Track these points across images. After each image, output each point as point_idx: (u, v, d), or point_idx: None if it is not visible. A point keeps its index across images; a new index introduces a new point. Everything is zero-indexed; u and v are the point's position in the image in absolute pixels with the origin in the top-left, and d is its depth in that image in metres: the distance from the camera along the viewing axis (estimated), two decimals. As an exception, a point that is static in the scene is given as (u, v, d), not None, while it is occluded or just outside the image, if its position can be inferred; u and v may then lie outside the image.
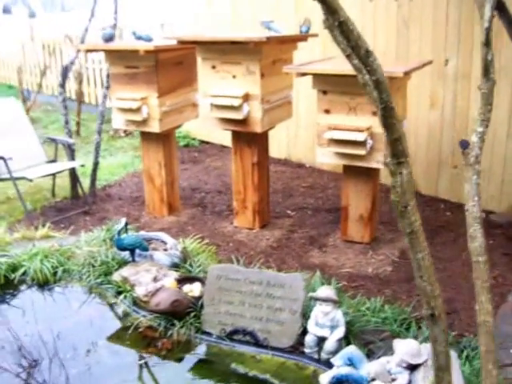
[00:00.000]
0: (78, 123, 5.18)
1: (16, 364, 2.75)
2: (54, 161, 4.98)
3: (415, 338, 2.86)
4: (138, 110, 4.27)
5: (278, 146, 5.95)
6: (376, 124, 3.65)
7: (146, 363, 2.80)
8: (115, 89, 4.39)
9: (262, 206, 4.43)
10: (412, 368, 2.42)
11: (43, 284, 3.53)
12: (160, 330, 3.00)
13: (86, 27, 4.66)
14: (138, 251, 3.52)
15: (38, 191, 5.25)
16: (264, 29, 4.05)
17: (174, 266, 3.56)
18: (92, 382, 2.69)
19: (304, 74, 3.74)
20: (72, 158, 4.96)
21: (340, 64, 4.05)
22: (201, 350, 2.90)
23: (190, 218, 4.69)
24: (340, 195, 5.05)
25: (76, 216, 4.73)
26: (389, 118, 1.57)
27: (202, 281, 3.23)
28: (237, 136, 4.29)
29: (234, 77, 4.01)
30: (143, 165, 4.70)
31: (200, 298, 3.08)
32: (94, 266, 3.54)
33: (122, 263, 3.56)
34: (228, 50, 3.96)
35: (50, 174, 4.82)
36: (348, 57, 1.54)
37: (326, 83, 3.74)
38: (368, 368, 2.46)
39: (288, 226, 4.51)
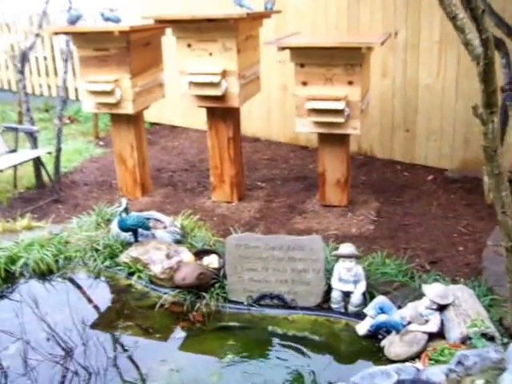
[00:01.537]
0: (19, 113, 5.04)
1: (52, 354, 2.76)
2: (14, 150, 4.84)
3: (419, 285, 3.18)
4: (111, 93, 4.26)
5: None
6: (351, 93, 3.92)
7: (184, 337, 2.90)
8: (85, 72, 4.35)
9: (238, 180, 4.59)
10: (440, 309, 2.71)
11: (47, 273, 3.51)
12: (187, 304, 3.10)
13: (43, 10, 4.55)
14: (140, 231, 3.58)
15: (-5, 183, 5.10)
16: (235, 6, 4.16)
17: (177, 243, 3.66)
18: (132, 363, 2.74)
19: (284, 48, 3.91)
20: (35, 146, 4.85)
21: (311, 38, 4.29)
22: (233, 319, 3.02)
23: (165, 197, 4.76)
24: (302, 165, 5.37)
25: (47, 205, 4.67)
26: (489, 73, 1.82)
27: (217, 253, 3.37)
28: (212, 112, 4.41)
29: (210, 54, 4.11)
30: (114, 147, 4.70)
31: (220, 269, 3.22)
32: (97, 251, 3.55)
33: (125, 245, 3.60)
34: (204, 28, 4.05)
35: (15, 165, 4.69)
36: (453, 18, 1.76)
37: (304, 56, 3.94)
38: (402, 313, 2.73)
39: (264, 197, 4.70)
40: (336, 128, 4.01)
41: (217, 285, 3.17)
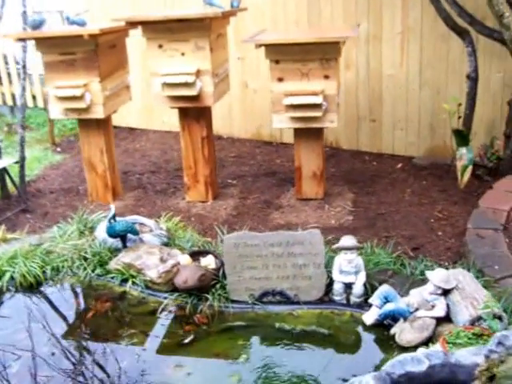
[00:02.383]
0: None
1: (61, 368, 2.68)
2: (-25, 161, 4.63)
3: (411, 272, 3.28)
4: (80, 97, 4.15)
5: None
6: (328, 87, 3.97)
7: (192, 340, 2.87)
8: (51, 78, 4.21)
9: (212, 179, 4.57)
10: (445, 293, 2.80)
11: (35, 286, 3.39)
12: (189, 307, 3.07)
13: None
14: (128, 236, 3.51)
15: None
16: (205, 5, 4.13)
17: (164, 245, 3.62)
18: (146, 371, 2.70)
19: (261, 45, 3.91)
20: (-1, 156, 4.66)
21: (285, 34, 4.31)
22: (238, 318, 3.02)
23: (137, 201, 4.68)
24: (270, 161, 5.40)
25: (15, 216, 4.49)
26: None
27: (212, 253, 3.35)
28: (184, 113, 4.36)
29: (182, 54, 4.07)
30: (83, 153, 4.58)
31: (218, 269, 3.21)
32: (85, 259, 3.47)
33: (113, 251, 3.53)
34: (175, 28, 4.00)
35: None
36: (500, 17, 1.82)
37: (279, 53, 3.96)
38: (409, 300, 2.81)
39: (238, 194, 4.70)
40: (314, 122, 4.06)
41: (217, 285, 3.16)
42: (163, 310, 3.09)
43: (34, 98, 6.83)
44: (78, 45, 4.07)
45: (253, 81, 5.59)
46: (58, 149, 6.00)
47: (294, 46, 3.88)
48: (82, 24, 4.12)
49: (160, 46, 4.08)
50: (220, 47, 4.27)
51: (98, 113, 4.26)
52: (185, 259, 3.25)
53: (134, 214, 4.34)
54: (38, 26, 4.09)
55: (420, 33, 4.74)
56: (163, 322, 3.03)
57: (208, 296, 3.10)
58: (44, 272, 3.43)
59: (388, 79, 4.98)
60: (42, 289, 3.39)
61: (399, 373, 2.19)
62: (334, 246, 3.12)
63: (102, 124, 4.44)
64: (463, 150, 4.22)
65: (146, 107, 6.04)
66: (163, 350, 2.83)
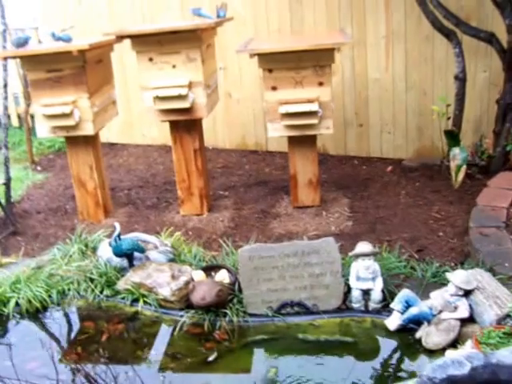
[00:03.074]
0: None
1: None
2: (-42, 186, 4.46)
3: (422, 275, 3.29)
4: (69, 115, 4.04)
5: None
6: (323, 93, 3.97)
7: (215, 357, 2.80)
8: (38, 96, 4.08)
9: (206, 191, 4.51)
10: (466, 294, 2.81)
11: (42, 311, 3.27)
12: (207, 324, 3.00)
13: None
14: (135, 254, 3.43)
15: None
16: (194, 16, 4.08)
17: (170, 262, 3.54)
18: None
19: (255, 55, 3.88)
20: (-18, 178, 4.49)
21: (277, 43, 4.28)
22: (259, 332, 2.96)
23: (129, 217, 4.58)
24: (259, 170, 5.37)
25: (5, 239, 4.34)
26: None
27: (225, 267, 3.29)
28: (176, 125, 4.30)
29: (173, 66, 4.00)
30: (72, 171, 4.46)
31: (233, 283, 3.15)
32: (92, 281, 3.36)
33: (119, 271, 3.44)
34: (165, 41, 3.93)
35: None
36: None
37: (272, 61, 3.93)
38: (432, 303, 2.81)
39: (232, 205, 4.64)
40: (310, 129, 4.04)
41: (234, 300, 3.10)
42: (181, 328, 3.00)
43: (8, 117, 6.63)
44: (66, 61, 3.96)
45: (236, 91, 5.55)
46: (39, 167, 5.84)
47: (287, 54, 3.86)
48: (67, 40, 4.02)
49: (150, 59, 4.01)
50: (210, 58, 4.23)
51: (88, 129, 4.15)
52: (199, 275, 3.19)
53: (128, 231, 4.24)
54: (22, 43, 3.97)
55: (404, 36, 4.79)
56: (182, 340, 2.95)
57: (227, 311, 3.03)
58: (50, 296, 3.31)
59: (374, 83, 5.02)
60: (48, 313, 3.26)
61: (441, 377, 2.18)
62: (351, 253, 3.10)
63: (91, 140, 4.33)
64: (456, 150, 4.28)
65: (125, 122, 5.94)
66: (188, 369, 2.75)
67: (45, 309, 3.29)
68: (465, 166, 4.26)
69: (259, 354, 2.83)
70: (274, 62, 3.92)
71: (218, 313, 3.05)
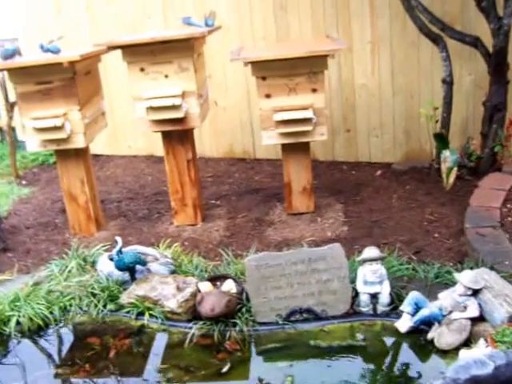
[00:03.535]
0: None
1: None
2: None
3: (425, 276, 3.32)
4: (60, 127, 3.98)
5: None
6: (316, 100, 3.99)
7: (229, 368, 2.78)
8: (27, 109, 4.01)
9: (199, 201, 4.49)
10: (474, 293, 2.85)
11: (44, 328, 3.20)
12: (217, 335, 2.98)
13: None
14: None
15: None
16: (184, 25, 4.07)
17: (172, 273, 3.51)
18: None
19: (249, 63, 3.88)
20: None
21: (270, 50, 4.29)
22: (270, 340, 2.94)
23: (122, 229, 4.52)
24: (248, 178, 5.36)
25: (-4, 257, 4.25)
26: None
27: (230, 277, 3.28)
28: (168, 136, 4.27)
29: (166, 76, 3.98)
30: (62, 185, 4.38)
31: (240, 293, 3.13)
32: (94, 295, 3.31)
33: (121, 284, 3.39)
34: (157, 50, 3.91)
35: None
36: None
37: (265, 69, 3.94)
38: (442, 304, 2.83)
39: (226, 214, 4.62)
40: (304, 136, 4.06)
41: (242, 309, 3.08)
42: (191, 340, 2.97)
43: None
44: (55, 73, 3.91)
45: (222, 99, 5.55)
46: (24, 182, 5.73)
47: (281, 61, 3.87)
48: (56, 51, 3.96)
49: (142, 70, 3.98)
50: (201, 67, 4.22)
51: (79, 142, 4.09)
52: (205, 286, 3.16)
53: (122, 243, 4.19)
54: (10, 55, 3.90)
55: (390, 41, 4.85)
56: (193, 352, 2.92)
57: (236, 321, 3.01)
58: (51, 313, 3.23)
59: (361, 88, 5.06)
60: (51, 331, 3.19)
61: (465, 377, 2.21)
62: (359, 258, 3.12)
63: (81, 153, 4.28)
64: (447, 153, 4.34)
65: (110, 133, 5.87)
66: (203, 381, 2.72)
67: (47, 326, 3.21)
68: (456, 168, 4.33)
69: (273, 362, 2.81)
70: (267, 70, 3.93)
71: (227, 323, 3.03)
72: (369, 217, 4.32)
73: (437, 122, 4.56)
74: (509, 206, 4.05)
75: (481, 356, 2.25)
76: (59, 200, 5.13)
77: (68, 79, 3.95)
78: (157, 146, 5.83)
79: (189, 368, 2.81)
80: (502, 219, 3.87)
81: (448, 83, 4.43)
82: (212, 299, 2.98)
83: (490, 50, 4.31)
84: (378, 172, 5.06)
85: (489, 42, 4.33)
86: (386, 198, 4.59)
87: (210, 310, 2.95)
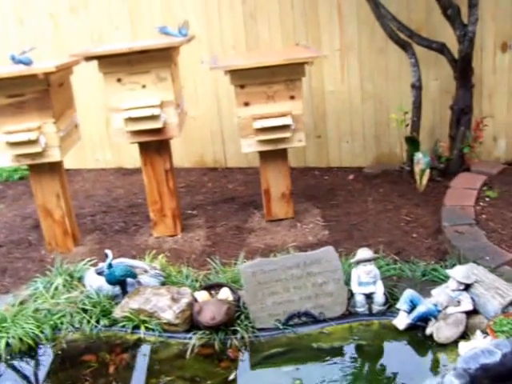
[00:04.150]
0: None
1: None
2: None
3: (412, 275, 3.41)
4: (35, 141, 3.89)
5: (131, 156, 5.86)
6: (294, 107, 4.04)
7: (237, 376, 2.77)
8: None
9: (179, 211, 4.47)
10: (466, 288, 2.94)
11: (35, 348, 3.10)
12: (217, 344, 2.96)
13: None
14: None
15: None
16: (160, 34, 4.06)
17: (162, 285, 3.48)
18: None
19: (229, 71, 3.90)
20: None
21: (244, 59, 4.32)
22: (272, 346, 2.95)
23: (100, 243, 4.44)
24: (222, 187, 5.36)
25: (-31, 276, 4.10)
26: None
27: (225, 285, 3.27)
28: (145, 147, 4.23)
29: (143, 86, 3.95)
30: (37, 200, 4.28)
31: (237, 300, 3.14)
32: (85, 311, 3.24)
33: (112, 299, 3.34)
34: (135, 60, 3.88)
35: None
36: None
37: (244, 77, 3.96)
38: (437, 300, 2.91)
39: (204, 224, 4.61)
40: (283, 143, 4.10)
41: (242, 316, 3.08)
42: (192, 350, 2.95)
43: None
44: (29, 85, 3.82)
45: (192, 108, 5.53)
46: (-15, 200, 5.56)
47: (260, 69, 3.91)
48: (28, 63, 3.88)
49: (119, 80, 3.94)
50: (177, 77, 4.21)
51: (55, 156, 4.01)
52: (203, 295, 3.15)
53: (103, 257, 4.12)
54: (-19, 69, 3.79)
55: (358, 48, 4.97)
56: (195, 363, 2.89)
57: (236, 329, 3.01)
58: (42, 332, 3.14)
59: (330, 95, 5.16)
60: (43, 350, 3.09)
61: (475, 367, 2.29)
62: (353, 260, 3.17)
63: (56, 167, 4.19)
64: (419, 155, 4.47)
65: (77, 146, 5.75)
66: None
67: (38, 346, 3.12)
68: (428, 170, 4.46)
69: (278, 367, 2.81)
70: (246, 78, 3.96)
71: (227, 331, 3.02)
72: (347, 220, 4.39)
73: (407, 126, 4.69)
74: (481, 204, 4.20)
75: (488, 345, 2.34)
76: (29, 216, 5.01)
77: (42, 91, 3.87)
78: (126, 159, 5.81)
79: (194, 379, 2.78)
80: (477, 217, 4.02)
81: (417, 88, 4.57)
82: (211, 308, 2.97)
83: (456, 55, 4.47)
84: (351, 176, 5.16)
85: (453, 48, 4.49)
86: (362, 202, 4.68)
87: (210, 318, 2.94)
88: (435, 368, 2.66)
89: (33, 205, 5.18)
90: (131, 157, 5.82)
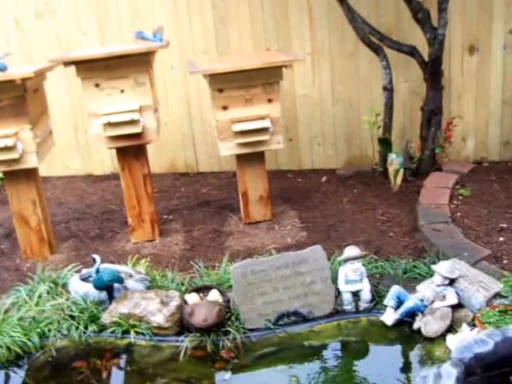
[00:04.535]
0: None
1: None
2: None
3: (394, 273, 3.49)
4: (12, 148, 3.83)
5: (101, 162, 5.82)
6: (272, 110, 4.10)
7: (232, 376, 2.79)
8: (-25, 130, 3.83)
9: (156, 216, 4.46)
10: (450, 283, 3.04)
11: (25, 356, 3.05)
12: (210, 345, 2.97)
13: None
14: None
15: None
16: (137, 39, 4.05)
17: (147, 289, 3.47)
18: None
19: (208, 76, 3.93)
20: None
21: (225, 63, 4.34)
22: (264, 345, 2.98)
23: (76, 250, 4.39)
24: (196, 191, 5.37)
25: None
26: None
27: (213, 287, 3.29)
28: (123, 152, 4.21)
29: (122, 91, 3.94)
30: (12, 207, 4.20)
31: (227, 301, 3.16)
32: (73, 318, 3.20)
33: (99, 304, 3.31)
34: (113, 65, 3.87)
35: None
36: None
37: (223, 81, 3.99)
38: (424, 295, 3.00)
39: (182, 228, 4.61)
40: (262, 146, 4.15)
41: (232, 317, 3.10)
42: (184, 353, 2.95)
43: None
44: (4, 91, 3.76)
45: (163, 114, 5.50)
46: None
47: (238, 73, 3.94)
48: (3, 69, 3.82)
49: (97, 85, 3.92)
50: (154, 82, 4.20)
51: (32, 162, 3.95)
52: (193, 298, 3.15)
53: (82, 264, 4.06)
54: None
55: (329, 52, 5.06)
56: (189, 365, 2.90)
57: (228, 330, 3.03)
58: (30, 340, 3.09)
59: (302, 99, 5.23)
60: (32, 359, 3.05)
61: (469, 356, 2.38)
62: (340, 258, 3.23)
63: (32, 174, 4.13)
64: (393, 156, 4.58)
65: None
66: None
67: (27, 354, 3.06)
68: (402, 170, 4.57)
69: (272, 366, 2.85)
70: (224, 82, 3.99)
71: (218, 332, 3.04)
72: (324, 221, 4.46)
73: (379, 127, 4.80)
74: (455, 202, 4.34)
75: (480, 335, 2.43)
76: (1, 225, 4.90)
77: (18, 97, 3.81)
78: (95, 165, 5.76)
79: (190, 380, 2.80)
80: (452, 215, 4.14)
81: (389, 90, 4.68)
82: (202, 311, 2.98)
83: (426, 58, 4.60)
84: (324, 178, 5.24)
85: (423, 50, 4.63)
86: (337, 202, 4.76)
87: (202, 320, 2.95)
88: (425, 360, 2.74)
89: (4, 213, 5.09)
90: (101, 163, 5.79)
